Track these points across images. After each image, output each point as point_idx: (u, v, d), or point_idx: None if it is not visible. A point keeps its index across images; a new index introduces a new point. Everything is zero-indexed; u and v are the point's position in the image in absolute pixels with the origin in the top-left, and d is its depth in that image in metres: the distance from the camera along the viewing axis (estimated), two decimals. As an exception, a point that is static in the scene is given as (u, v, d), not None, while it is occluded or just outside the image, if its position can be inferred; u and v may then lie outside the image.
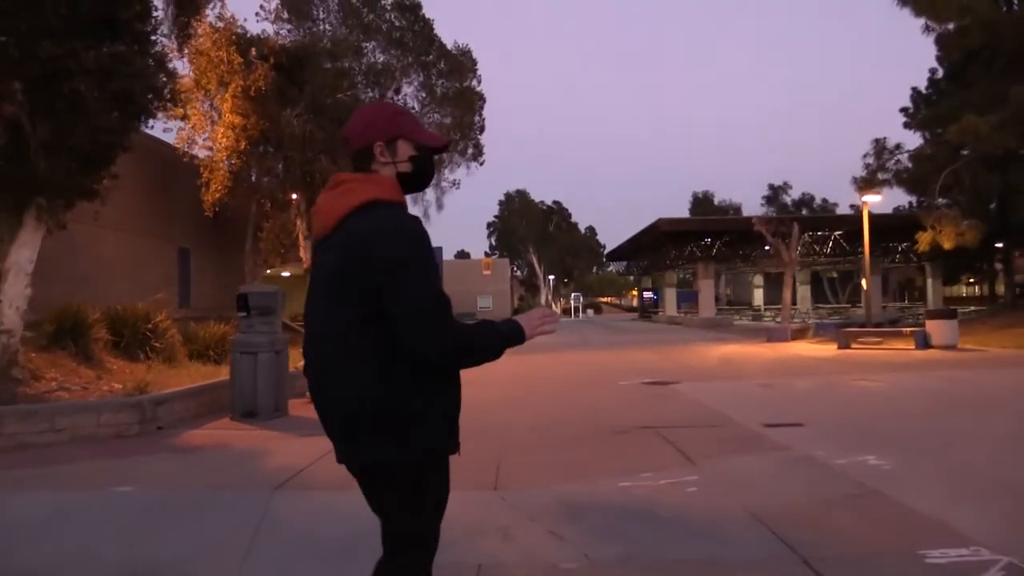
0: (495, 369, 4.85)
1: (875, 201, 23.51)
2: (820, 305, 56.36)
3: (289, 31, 22.48)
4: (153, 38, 9.85)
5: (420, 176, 2.27)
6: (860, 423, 8.41)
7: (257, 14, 18.98)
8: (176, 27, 11.66)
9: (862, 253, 41.78)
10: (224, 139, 17.93)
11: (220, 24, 18.20)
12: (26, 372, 10.54)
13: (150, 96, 9.71)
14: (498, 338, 2.16)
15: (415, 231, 2.07)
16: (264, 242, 19.83)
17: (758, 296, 64.93)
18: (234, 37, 17.98)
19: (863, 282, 25.74)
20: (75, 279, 16.51)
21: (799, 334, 24.78)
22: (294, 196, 19.83)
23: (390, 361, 2.04)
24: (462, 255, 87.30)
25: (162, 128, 19.15)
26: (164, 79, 10.40)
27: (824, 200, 75.29)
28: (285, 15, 22.26)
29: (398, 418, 2.07)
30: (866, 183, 25.35)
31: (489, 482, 5.97)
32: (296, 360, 11.43)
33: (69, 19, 8.30)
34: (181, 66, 14.71)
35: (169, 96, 10.47)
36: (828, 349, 20.22)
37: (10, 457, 7.26)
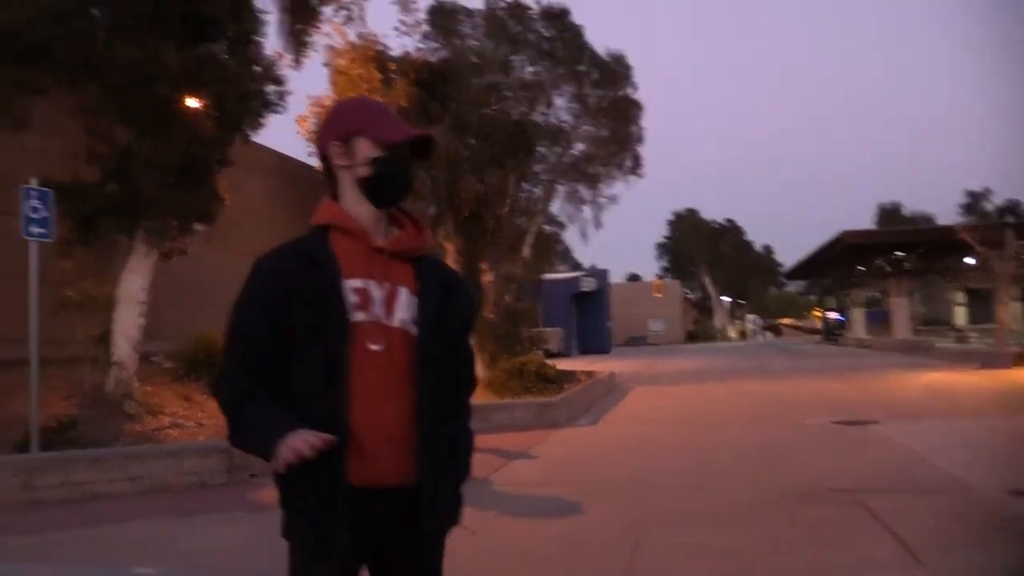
0: (651, 401, 4.06)
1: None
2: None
3: (432, 48, 21.78)
4: (256, 39, 8.88)
5: (385, 182, 1.86)
6: None
7: (396, 29, 18.53)
8: (291, 36, 10.79)
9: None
10: (365, 161, 17.19)
11: (360, 42, 17.53)
12: (141, 407, 9.83)
13: (252, 104, 8.73)
14: (238, 421, 1.82)
15: (257, 266, 1.87)
16: (410, 265, 18.89)
17: (959, 315, 58.50)
18: (373, 53, 17.24)
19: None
20: (219, 307, 16.16)
21: (1021, 359, 21.02)
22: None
23: None
24: (633, 278, 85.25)
25: (307, 153, 18.69)
26: (271, 87, 9.45)
27: (1034, 207, 67.24)
28: (426, 29, 21.63)
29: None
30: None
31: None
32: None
33: (151, 18, 7.39)
34: (297, 77, 13.99)
35: (278, 106, 9.51)
36: (1064, 377, 16.77)
37: (59, 512, 6.28)
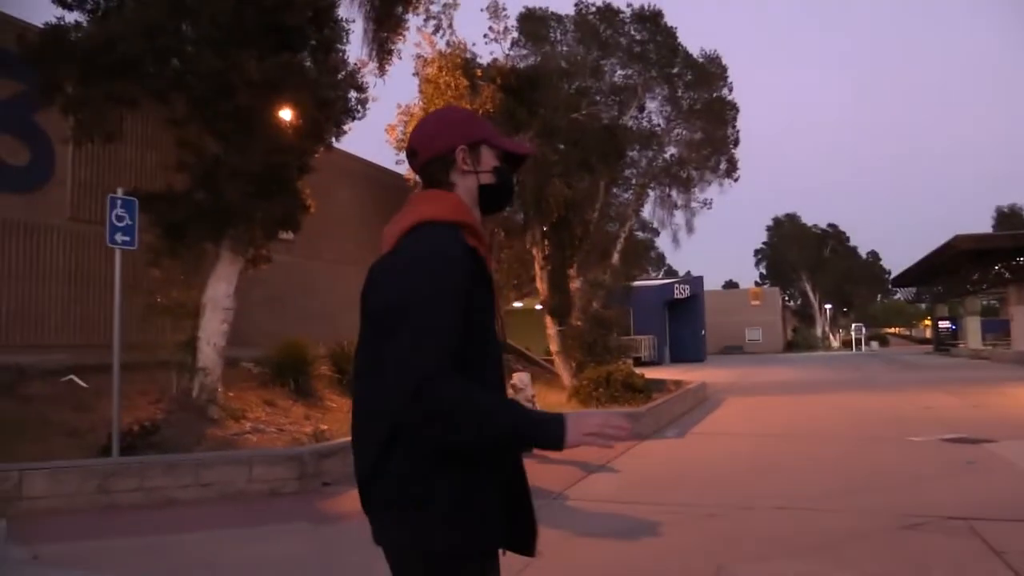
0: (743, 414, 3.65)
1: None
2: None
3: (522, 54, 21.56)
4: (339, 47, 8.86)
5: (503, 191, 1.90)
6: None
7: (485, 36, 18.50)
8: (375, 44, 10.76)
9: None
10: (453, 168, 17.17)
11: (448, 50, 17.54)
12: (224, 411, 9.95)
13: (333, 110, 8.69)
14: (507, 421, 1.61)
15: (445, 257, 1.67)
16: (499, 272, 18.78)
17: (1088, 325, 54.65)
18: (460, 60, 17.22)
19: None
20: (311, 315, 16.43)
21: None
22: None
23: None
24: (730, 285, 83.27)
25: (395, 161, 18.83)
26: (353, 94, 9.41)
27: None
28: (516, 36, 21.44)
29: (400, 496, 1.66)
30: None
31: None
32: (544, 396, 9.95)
33: (232, 29, 7.42)
34: (387, 86, 13.96)
35: (359, 112, 9.46)
36: None
37: (130, 517, 6.30)
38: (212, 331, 9.78)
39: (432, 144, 1.83)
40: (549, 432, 1.61)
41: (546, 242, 18.80)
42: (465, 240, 1.73)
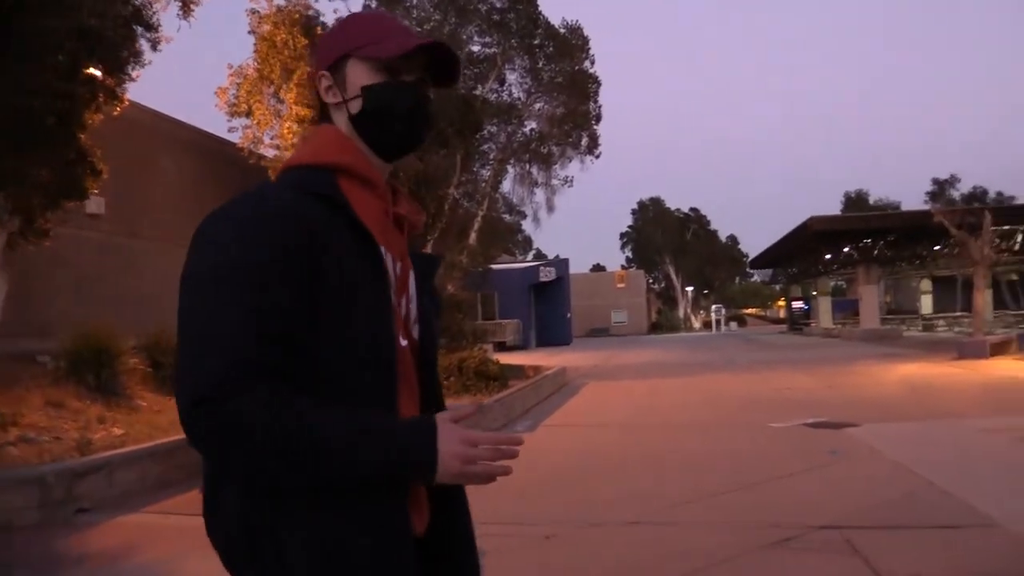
0: (602, 401, 2.86)
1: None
2: (1004, 312, 49.28)
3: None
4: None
5: (386, 118, 1.31)
6: None
7: (330, -8, 17.11)
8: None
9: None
10: (290, 135, 15.50)
11: (286, 5, 15.86)
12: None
13: (103, 46, 7.05)
14: (345, 443, 1.13)
15: (259, 215, 1.18)
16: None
17: (926, 303, 58.15)
18: (299, 17, 15.57)
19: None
20: (129, 301, 14.47)
21: (999, 348, 19.94)
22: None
23: None
24: (598, 268, 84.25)
25: (227, 128, 16.91)
26: (145, 33, 7.79)
27: (999, 193, 67.08)
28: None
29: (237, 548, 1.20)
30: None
31: None
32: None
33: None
34: (222, 46, 12.36)
35: (133, 57, 7.84)
36: (1046, 369, 15.62)
37: None
38: (-37, 320, 7.97)
39: (311, 76, 1.41)
40: (412, 455, 1.14)
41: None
42: (333, 187, 1.25)
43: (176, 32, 9.23)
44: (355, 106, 1.31)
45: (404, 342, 1.32)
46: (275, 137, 16.41)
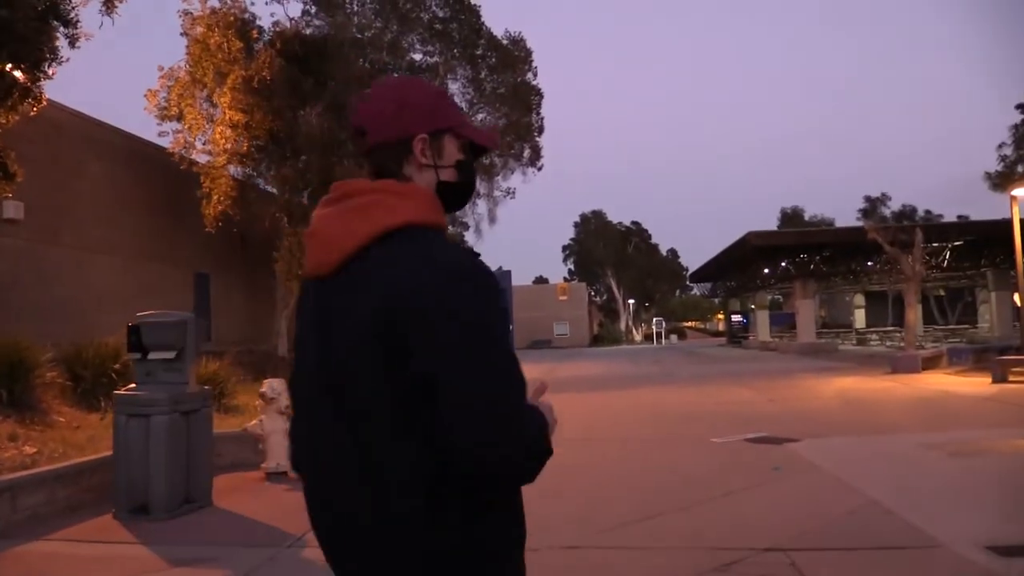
0: None
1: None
2: (932, 327, 50.73)
3: (308, 20, 19.57)
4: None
5: (464, 190, 1.58)
6: None
7: (265, -4, 16.62)
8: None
9: (983, 267, 36.94)
10: (223, 140, 15.02)
11: (220, 7, 15.39)
12: None
13: (11, 37, 6.59)
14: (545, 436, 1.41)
15: (484, 274, 1.40)
16: (279, 262, 16.76)
17: (859, 317, 59.54)
18: (234, 20, 15.11)
19: (1016, 297, 21.14)
20: (49, 311, 13.76)
21: (930, 363, 20.36)
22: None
23: (430, 469, 1.35)
24: (540, 280, 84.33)
25: (157, 132, 16.32)
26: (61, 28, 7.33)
27: (927, 212, 69.23)
28: (305, 4, 19.47)
29: (437, 557, 1.36)
30: (1003, 177, 20.87)
31: None
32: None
33: None
34: (152, 47, 11.88)
35: (49, 53, 7.38)
36: (976, 382, 15.92)
37: None
38: None
39: (386, 127, 1.48)
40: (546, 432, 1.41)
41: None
42: None
43: (99, 29, 8.81)
44: (447, 174, 1.51)
45: None
46: (207, 142, 15.91)
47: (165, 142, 16.19)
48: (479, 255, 1.44)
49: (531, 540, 4.69)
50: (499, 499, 1.43)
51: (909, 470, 7.25)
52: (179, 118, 15.62)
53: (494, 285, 1.39)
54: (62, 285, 14.50)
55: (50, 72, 7.95)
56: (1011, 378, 15.62)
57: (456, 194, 1.54)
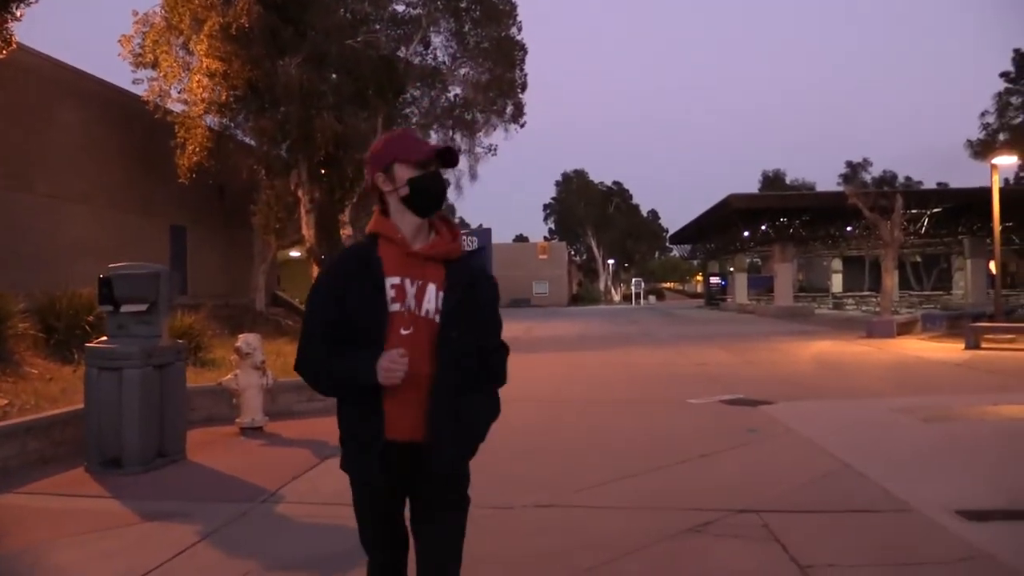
0: (517, 375, 3.27)
1: (1009, 165, 18.78)
2: (907, 292, 51.26)
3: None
4: None
5: (422, 196, 2.29)
6: None
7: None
8: None
9: (960, 234, 37.23)
10: (200, 89, 14.67)
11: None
12: None
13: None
14: (327, 374, 2.30)
15: (327, 262, 3.01)
16: (257, 216, 16.52)
17: (836, 282, 60.04)
18: (210, -37, 14.67)
19: (991, 265, 21.32)
20: (22, 260, 13.50)
21: (904, 328, 20.58)
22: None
23: None
24: (521, 239, 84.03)
25: (131, 80, 15.93)
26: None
27: (907, 178, 69.52)
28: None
29: None
30: (984, 146, 20.88)
31: None
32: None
33: None
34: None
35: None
36: (949, 348, 16.11)
37: None
38: None
39: (368, 179, 2.39)
40: (366, 375, 2.16)
41: (314, 184, 16.77)
42: (372, 248, 2.31)
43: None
44: (403, 191, 2.27)
45: (405, 332, 2.22)
46: (183, 91, 15.55)
47: (140, 90, 15.82)
48: (346, 250, 2.45)
49: (505, 498, 4.71)
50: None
51: (882, 434, 7.32)
52: (154, 65, 15.24)
53: (325, 268, 2.38)
54: (35, 233, 14.22)
55: (18, 13, 7.69)
56: (983, 345, 15.83)
57: (418, 201, 2.27)
